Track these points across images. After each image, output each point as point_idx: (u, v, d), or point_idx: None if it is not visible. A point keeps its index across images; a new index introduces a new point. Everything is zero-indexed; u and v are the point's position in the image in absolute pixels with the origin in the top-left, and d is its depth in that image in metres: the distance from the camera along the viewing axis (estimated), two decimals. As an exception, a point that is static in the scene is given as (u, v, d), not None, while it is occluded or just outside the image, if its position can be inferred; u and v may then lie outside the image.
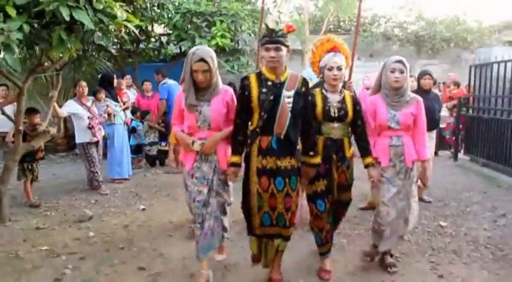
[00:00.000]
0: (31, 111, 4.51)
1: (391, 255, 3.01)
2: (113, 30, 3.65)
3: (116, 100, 5.77)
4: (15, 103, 4.52)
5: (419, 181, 3.60)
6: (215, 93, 2.58)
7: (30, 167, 4.63)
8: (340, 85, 2.78)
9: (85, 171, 5.28)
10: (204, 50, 2.55)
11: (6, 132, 4.79)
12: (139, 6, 5.39)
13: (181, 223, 3.91)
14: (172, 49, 8.69)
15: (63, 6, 2.98)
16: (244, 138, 2.53)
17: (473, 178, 5.90)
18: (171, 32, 7.99)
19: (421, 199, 4.20)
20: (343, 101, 2.73)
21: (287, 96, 2.40)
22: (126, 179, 5.75)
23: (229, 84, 5.97)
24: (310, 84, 2.69)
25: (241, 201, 2.56)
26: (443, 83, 8.71)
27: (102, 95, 5.41)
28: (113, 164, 5.70)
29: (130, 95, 6.86)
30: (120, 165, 5.70)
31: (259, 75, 2.49)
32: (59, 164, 7.49)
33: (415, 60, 11.22)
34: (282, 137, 2.42)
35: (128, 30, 3.84)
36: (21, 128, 4.09)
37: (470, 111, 7.12)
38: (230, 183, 2.69)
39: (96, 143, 5.20)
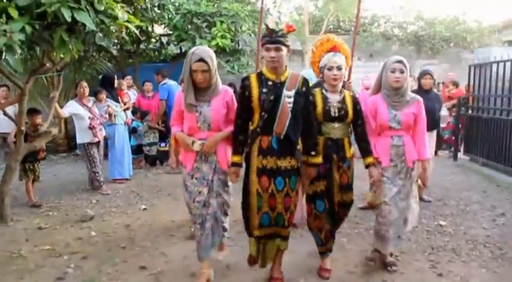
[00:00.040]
0: (33, 112, 4.53)
1: (391, 254, 3.02)
2: (114, 31, 3.67)
3: (116, 100, 5.79)
4: (16, 104, 4.54)
5: (419, 181, 3.61)
6: (215, 94, 2.59)
7: (31, 167, 4.65)
8: (340, 85, 2.78)
9: (86, 172, 5.30)
10: (204, 50, 2.55)
11: (8, 133, 4.81)
12: (140, 7, 5.40)
13: (183, 223, 3.92)
14: (173, 49, 8.71)
15: (65, 7, 3.00)
16: (244, 138, 2.53)
17: (473, 178, 5.92)
18: (171, 32, 8.01)
19: (421, 198, 4.20)
20: (343, 101, 2.73)
21: (288, 96, 2.40)
22: (127, 179, 5.77)
23: (230, 84, 6.02)
24: (310, 84, 2.70)
25: (241, 201, 2.57)
26: (443, 82, 8.73)
27: (103, 95, 5.42)
28: (113, 164, 5.72)
29: (131, 96, 6.86)
30: (121, 165, 5.72)
31: (259, 75, 2.49)
32: (60, 164, 7.50)
33: (415, 60, 11.24)
34: (282, 137, 2.42)
35: (128, 31, 3.86)
36: (23, 128, 4.11)
37: (470, 111, 7.14)
38: (230, 183, 2.69)
39: (97, 143, 5.21)
